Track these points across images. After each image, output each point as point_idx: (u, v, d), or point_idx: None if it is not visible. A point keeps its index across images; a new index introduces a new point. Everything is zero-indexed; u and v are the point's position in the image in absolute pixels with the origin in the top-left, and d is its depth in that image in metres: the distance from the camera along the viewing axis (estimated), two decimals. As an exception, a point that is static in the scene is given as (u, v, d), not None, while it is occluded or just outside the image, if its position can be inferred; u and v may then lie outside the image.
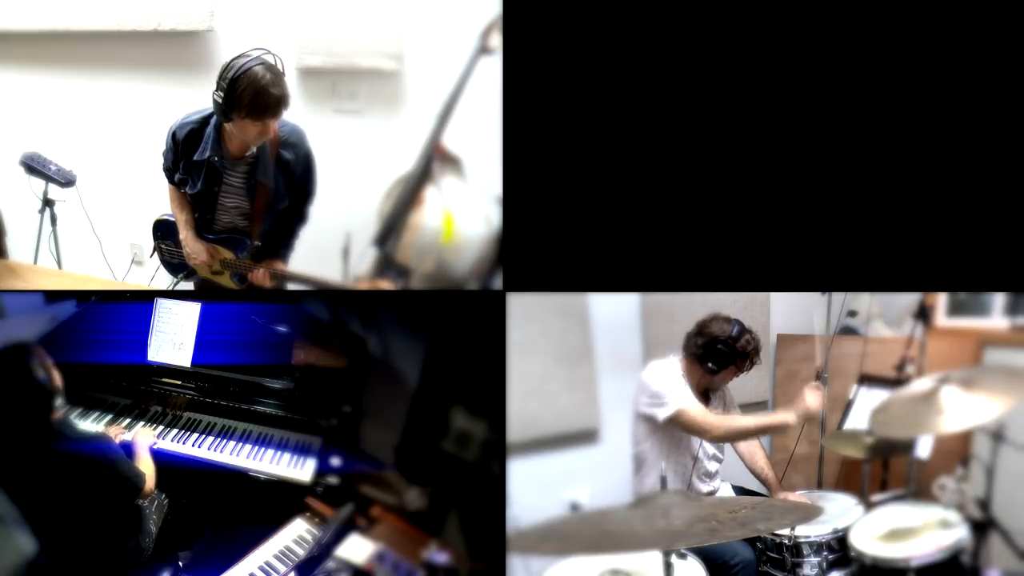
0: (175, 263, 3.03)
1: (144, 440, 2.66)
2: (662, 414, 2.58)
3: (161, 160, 2.94)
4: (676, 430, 2.60)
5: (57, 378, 2.31)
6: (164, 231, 3.02)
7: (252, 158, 2.77)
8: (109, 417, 2.81)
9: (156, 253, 3.08)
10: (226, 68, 2.59)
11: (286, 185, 2.82)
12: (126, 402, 2.86)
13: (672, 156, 2.81)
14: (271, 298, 2.88)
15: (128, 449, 2.58)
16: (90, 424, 2.78)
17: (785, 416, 2.56)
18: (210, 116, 2.75)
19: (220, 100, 2.61)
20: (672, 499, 1.97)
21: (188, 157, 2.78)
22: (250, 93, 2.56)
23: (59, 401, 2.31)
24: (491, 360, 2.51)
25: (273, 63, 2.61)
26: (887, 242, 2.66)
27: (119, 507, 2.37)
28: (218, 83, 2.61)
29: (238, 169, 2.79)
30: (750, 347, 2.62)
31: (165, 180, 2.95)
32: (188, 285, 3.07)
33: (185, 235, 2.89)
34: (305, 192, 2.88)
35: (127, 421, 2.80)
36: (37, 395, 2.27)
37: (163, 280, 3.33)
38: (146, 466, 2.54)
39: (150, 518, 2.53)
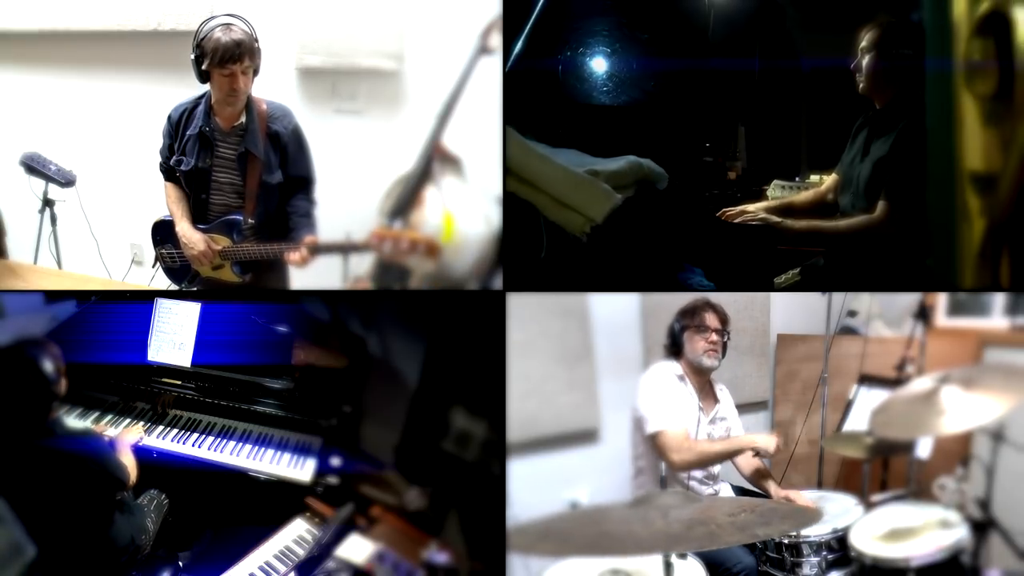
0: (177, 268, 3.03)
1: (128, 438, 2.67)
2: (647, 427, 2.62)
3: (159, 159, 2.96)
4: None
5: (62, 379, 2.32)
6: (163, 234, 3.01)
7: (241, 129, 2.83)
8: (109, 417, 2.81)
9: (157, 261, 3.08)
10: (195, 32, 2.76)
11: (279, 159, 2.87)
12: (126, 402, 2.86)
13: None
14: (271, 298, 2.88)
15: (111, 446, 2.58)
16: (85, 422, 2.78)
17: (747, 442, 2.62)
18: (201, 97, 2.87)
19: (193, 59, 2.77)
20: (671, 500, 1.96)
21: (182, 135, 2.89)
22: (211, 44, 2.71)
23: (59, 397, 2.32)
24: (491, 360, 2.51)
25: (235, 20, 2.75)
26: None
27: (106, 501, 2.37)
28: (192, 48, 2.76)
29: (229, 140, 2.85)
30: (698, 304, 2.67)
31: (162, 180, 2.97)
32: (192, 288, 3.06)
33: (181, 226, 2.91)
34: (301, 166, 2.91)
35: (127, 421, 2.80)
36: (41, 391, 2.28)
37: (163, 280, 3.33)
38: (128, 462, 2.53)
39: (148, 516, 2.52)
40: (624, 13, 2.93)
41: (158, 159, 2.99)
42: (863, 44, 2.68)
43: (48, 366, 2.28)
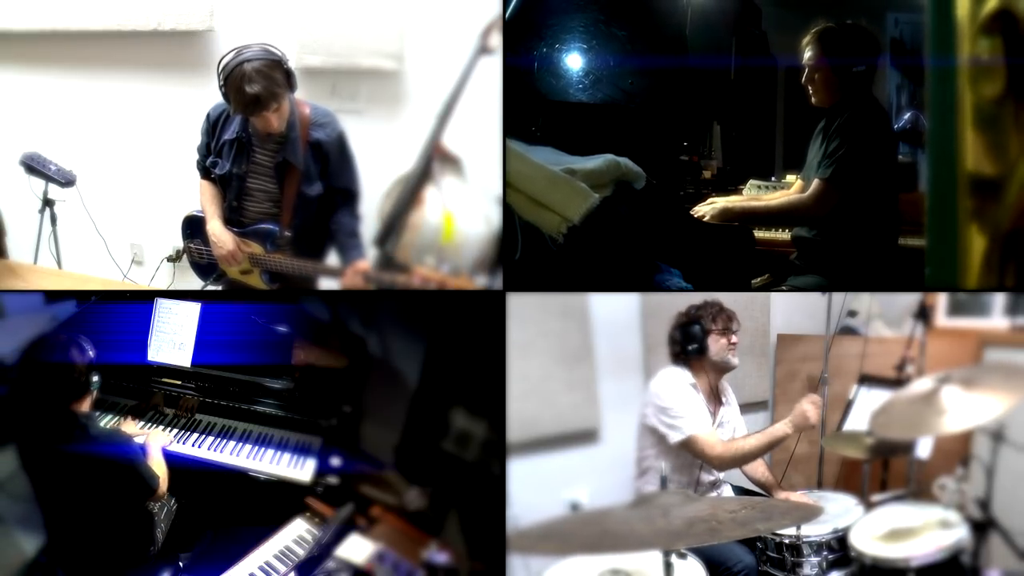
0: (204, 264, 2.99)
1: (157, 442, 2.64)
2: (674, 436, 2.59)
3: (196, 156, 2.92)
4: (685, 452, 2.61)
5: (89, 371, 2.37)
6: (193, 229, 2.98)
7: (281, 137, 2.74)
8: (108, 417, 2.81)
9: (185, 254, 3.06)
10: (218, 68, 2.65)
11: (319, 170, 2.77)
12: (128, 402, 2.86)
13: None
14: (271, 298, 2.88)
15: (142, 451, 2.58)
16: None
17: (784, 429, 2.57)
18: None
19: (223, 96, 2.69)
20: (672, 499, 1.96)
21: (220, 136, 2.81)
22: (234, 94, 2.62)
23: (93, 384, 2.38)
24: (491, 360, 2.50)
25: (261, 55, 2.62)
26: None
27: (132, 506, 2.38)
28: (218, 83, 2.67)
29: (267, 147, 2.77)
30: (714, 308, 2.66)
31: (199, 177, 2.93)
32: (219, 287, 3.04)
33: (212, 224, 2.84)
34: (345, 177, 2.81)
35: (127, 421, 2.80)
36: (66, 386, 2.33)
37: (163, 280, 3.33)
38: (159, 468, 2.53)
39: (158, 525, 2.53)
40: (601, 10, 2.92)
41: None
42: (807, 59, 2.72)
43: (80, 358, 2.34)
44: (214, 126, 2.82)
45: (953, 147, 2.11)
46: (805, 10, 2.77)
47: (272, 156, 2.77)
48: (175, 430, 2.76)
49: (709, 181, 3.13)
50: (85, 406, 2.38)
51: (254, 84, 2.58)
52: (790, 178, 3.07)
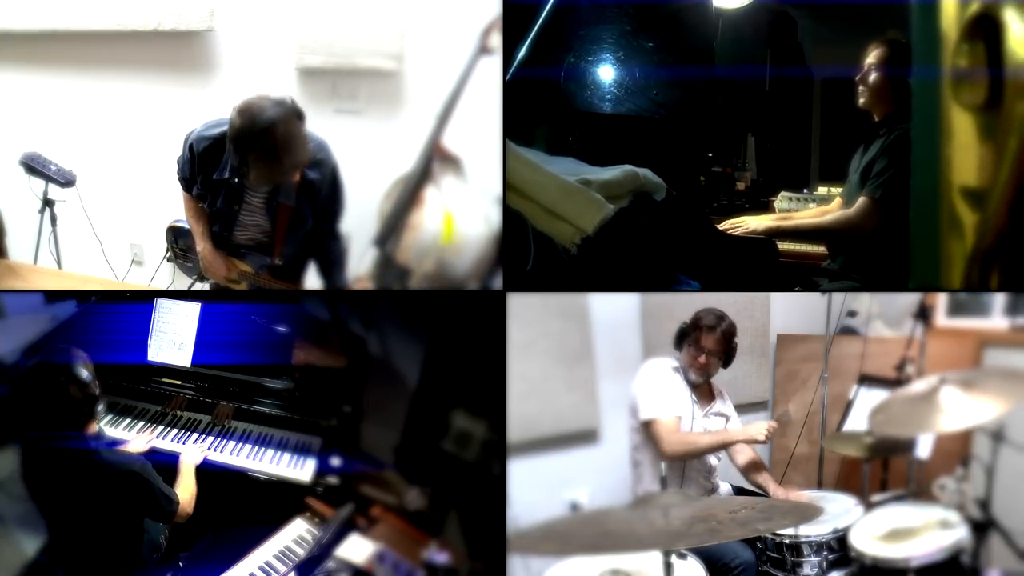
0: (190, 266, 3.00)
1: (191, 458, 2.59)
2: (640, 415, 2.65)
3: (176, 167, 2.84)
4: None
5: (95, 389, 2.30)
6: (177, 235, 2.99)
7: None
8: (108, 418, 2.81)
9: (171, 255, 3.05)
10: (229, 135, 2.52)
11: (311, 207, 2.73)
12: (127, 403, 2.86)
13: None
14: (271, 298, 2.88)
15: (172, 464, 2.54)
16: (119, 432, 2.74)
17: (735, 436, 2.66)
18: (225, 132, 2.60)
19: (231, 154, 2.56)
20: (672, 499, 1.96)
21: (207, 173, 2.69)
22: (257, 173, 2.53)
23: (99, 409, 2.34)
24: (491, 360, 2.50)
25: (280, 113, 2.48)
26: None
27: (138, 521, 2.36)
28: (229, 144, 2.54)
29: (260, 190, 2.70)
30: (705, 321, 2.66)
31: (180, 188, 2.86)
32: (205, 285, 3.04)
33: (202, 247, 2.81)
34: (332, 211, 2.79)
35: (127, 421, 2.80)
36: (73, 409, 2.26)
37: (163, 280, 3.33)
38: (186, 489, 2.47)
39: (162, 532, 2.51)
40: (630, 21, 2.92)
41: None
42: (870, 60, 2.71)
43: (84, 374, 2.27)
44: (199, 160, 2.67)
45: (936, 158, 2.10)
46: (841, 22, 2.75)
47: (265, 198, 2.71)
48: (164, 428, 2.76)
49: (743, 193, 3.12)
50: (92, 429, 2.33)
51: (282, 167, 2.50)
52: (822, 190, 3.06)
